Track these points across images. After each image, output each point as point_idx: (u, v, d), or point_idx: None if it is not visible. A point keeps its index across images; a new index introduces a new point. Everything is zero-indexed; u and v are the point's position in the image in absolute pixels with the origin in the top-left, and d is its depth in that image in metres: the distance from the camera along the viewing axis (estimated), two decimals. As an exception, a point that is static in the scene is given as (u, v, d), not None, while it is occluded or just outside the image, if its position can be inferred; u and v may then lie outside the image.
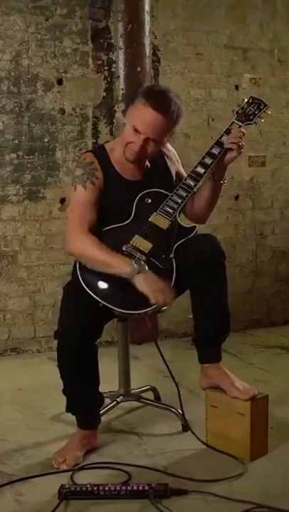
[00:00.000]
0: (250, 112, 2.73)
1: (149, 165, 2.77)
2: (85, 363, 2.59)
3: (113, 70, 4.19)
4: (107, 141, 2.93)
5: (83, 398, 2.66)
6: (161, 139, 2.63)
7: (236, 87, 4.56)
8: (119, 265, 2.56)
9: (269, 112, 2.76)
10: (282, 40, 4.71)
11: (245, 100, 2.75)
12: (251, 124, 2.74)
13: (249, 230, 4.71)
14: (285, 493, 2.34)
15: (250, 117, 2.73)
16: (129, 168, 2.72)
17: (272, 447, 2.68)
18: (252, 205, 4.71)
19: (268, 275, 4.80)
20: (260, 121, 2.76)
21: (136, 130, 2.59)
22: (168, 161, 2.84)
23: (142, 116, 2.58)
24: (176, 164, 2.89)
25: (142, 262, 2.58)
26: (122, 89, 4.14)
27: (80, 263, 2.63)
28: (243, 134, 2.70)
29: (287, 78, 4.75)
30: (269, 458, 2.63)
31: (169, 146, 2.89)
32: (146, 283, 2.53)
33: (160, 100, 2.59)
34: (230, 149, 2.68)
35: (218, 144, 2.70)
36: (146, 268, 2.57)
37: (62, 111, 4.13)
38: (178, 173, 2.86)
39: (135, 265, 2.55)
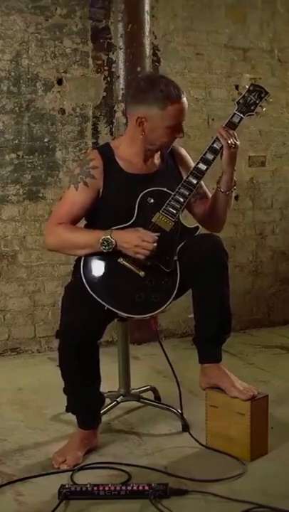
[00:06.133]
0: (251, 101, 2.69)
1: (157, 163, 2.78)
2: (86, 363, 2.59)
3: (113, 70, 4.19)
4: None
5: (84, 398, 2.66)
6: None
7: (236, 87, 4.55)
8: (93, 244, 2.58)
9: (271, 100, 2.73)
10: (282, 40, 4.71)
11: (246, 88, 2.71)
12: (252, 114, 2.71)
13: (249, 230, 4.71)
14: (285, 493, 2.34)
15: (252, 107, 2.70)
16: (136, 166, 2.73)
17: (272, 447, 2.68)
18: (252, 205, 4.71)
19: (267, 275, 4.80)
20: (261, 110, 2.72)
21: (177, 125, 2.65)
22: (178, 163, 2.85)
23: (178, 112, 2.63)
24: (189, 166, 2.84)
25: (109, 236, 2.56)
26: (122, 89, 4.14)
27: (83, 264, 2.62)
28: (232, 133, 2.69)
29: (287, 78, 4.75)
30: (269, 458, 2.63)
31: (181, 148, 2.90)
32: (124, 247, 2.56)
33: (173, 87, 2.63)
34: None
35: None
36: (113, 241, 2.56)
37: (62, 111, 4.13)
38: None
39: (105, 239, 2.55)
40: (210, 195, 2.86)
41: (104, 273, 2.62)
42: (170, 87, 2.63)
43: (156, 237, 2.57)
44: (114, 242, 2.56)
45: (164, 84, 2.64)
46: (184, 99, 2.65)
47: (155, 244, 2.56)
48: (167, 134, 2.67)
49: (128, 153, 2.73)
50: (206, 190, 2.88)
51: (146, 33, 4.15)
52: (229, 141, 2.66)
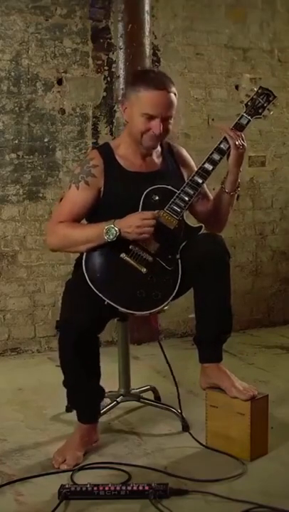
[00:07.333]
0: (259, 104, 2.71)
1: (157, 162, 2.77)
2: (86, 354, 2.59)
3: (113, 70, 4.19)
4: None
5: (83, 389, 2.66)
6: (172, 113, 2.67)
7: (236, 87, 4.56)
8: (96, 237, 2.58)
9: (278, 104, 2.75)
10: (282, 40, 4.71)
11: (255, 90, 2.73)
12: (260, 117, 2.73)
13: (249, 230, 4.71)
14: (285, 493, 2.34)
15: (259, 110, 2.71)
16: (136, 164, 2.73)
17: (272, 447, 2.68)
18: (252, 205, 4.71)
19: (267, 275, 4.80)
20: (268, 114, 2.73)
21: (149, 116, 2.61)
22: (180, 163, 2.84)
23: (151, 101, 2.60)
24: (191, 167, 2.85)
25: (112, 225, 2.56)
26: (122, 89, 4.13)
27: (85, 260, 2.62)
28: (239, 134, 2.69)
29: (287, 78, 4.75)
30: (269, 458, 2.63)
31: (182, 149, 2.90)
32: (128, 232, 2.55)
33: (156, 79, 2.64)
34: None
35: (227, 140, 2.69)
36: (117, 229, 2.55)
37: (62, 111, 4.14)
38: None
39: (108, 228, 2.55)
40: (210, 195, 2.87)
41: (106, 268, 2.62)
42: (152, 76, 2.67)
43: (156, 214, 2.59)
44: (117, 230, 2.55)
45: (150, 73, 2.70)
46: (165, 93, 2.61)
47: (154, 221, 2.56)
48: (142, 122, 2.63)
49: (127, 152, 2.73)
50: (207, 190, 2.88)
51: (146, 33, 4.15)
52: (237, 142, 2.67)
